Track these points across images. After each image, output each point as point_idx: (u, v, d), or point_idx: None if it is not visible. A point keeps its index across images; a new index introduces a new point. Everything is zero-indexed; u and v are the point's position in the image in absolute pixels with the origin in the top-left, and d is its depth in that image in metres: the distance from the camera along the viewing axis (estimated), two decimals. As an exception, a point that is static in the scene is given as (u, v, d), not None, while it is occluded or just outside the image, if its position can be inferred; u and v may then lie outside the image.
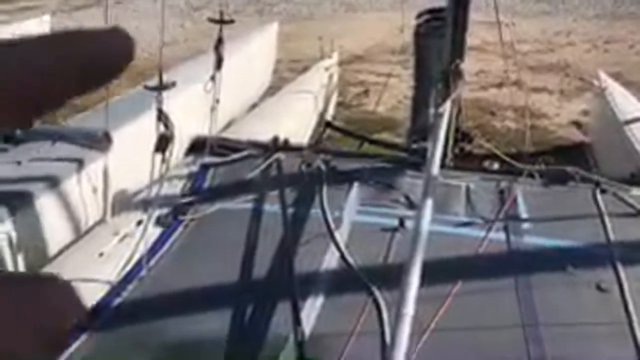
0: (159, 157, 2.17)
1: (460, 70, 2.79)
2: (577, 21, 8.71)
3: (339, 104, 5.52)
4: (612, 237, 2.44)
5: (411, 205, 2.59)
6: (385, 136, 4.97)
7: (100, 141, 2.61)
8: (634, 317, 2.01)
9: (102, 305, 1.99)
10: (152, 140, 2.19)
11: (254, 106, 4.46)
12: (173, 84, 2.22)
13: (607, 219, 2.54)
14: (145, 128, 2.36)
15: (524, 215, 2.60)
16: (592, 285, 2.18)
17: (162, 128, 2.16)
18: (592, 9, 9.38)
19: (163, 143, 2.15)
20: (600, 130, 4.63)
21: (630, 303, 2.08)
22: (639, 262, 2.30)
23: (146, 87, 2.19)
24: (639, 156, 3.38)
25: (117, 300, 2.02)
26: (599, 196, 2.72)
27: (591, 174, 2.90)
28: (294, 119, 4.00)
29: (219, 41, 2.83)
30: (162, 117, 2.15)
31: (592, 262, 2.30)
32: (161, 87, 2.16)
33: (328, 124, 4.18)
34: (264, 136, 3.19)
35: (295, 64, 6.63)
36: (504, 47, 3.57)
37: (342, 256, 2.30)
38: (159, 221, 2.42)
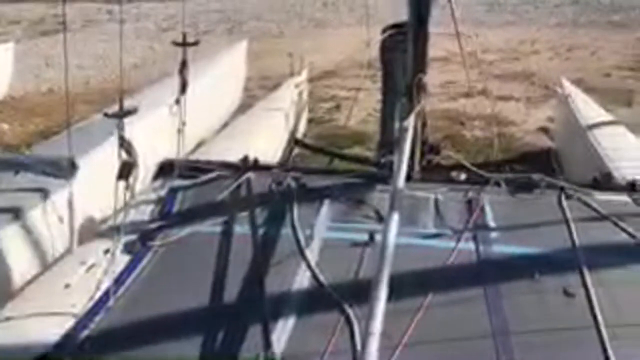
0: (123, 184, 2.15)
1: (423, 84, 2.83)
2: (541, 30, 8.94)
3: (311, 120, 5.55)
4: (577, 241, 2.49)
5: (381, 219, 2.60)
6: (357, 150, 5.00)
7: (65, 169, 2.57)
8: (600, 321, 2.05)
9: (67, 338, 1.94)
10: (117, 167, 2.17)
11: (225, 125, 4.46)
12: (134, 110, 2.20)
13: (572, 224, 2.59)
14: (109, 155, 2.33)
15: (492, 224, 2.63)
16: (560, 290, 2.21)
17: (124, 155, 2.14)
18: (554, 18, 9.65)
19: (126, 170, 2.13)
20: (565, 136, 4.74)
21: (596, 307, 2.12)
22: (604, 266, 2.34)
23: (106, 115, 2.18)
24: (601, 161, 3.46)
25: (84, 332, 1.97)
26: (564, 202, 2.78)
27: (556, 180, 2.96)
28: (265, 138, 4.00)
29: (183, 64, 2.83)
30: (124, 143, 2.13)
31: (558, 268, 2.34)
32: (122, 114, 2.14)
33: (297, 141, 4.19)
34: (235, 156, 3.18)
35: (265, 81, 6.65)
36: (466, 57, 3.63)
37: (313, 275, 2.29)
38: (126, 249, 2.39)
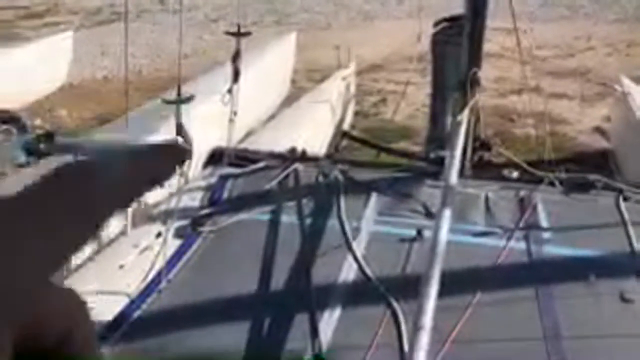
0: (177, 170, 2.19)
1: (477, 78, 2.77)
2: (597, 25, 8.60)
3: (357, 113, 5.52)
4: (636, 246, 2.39)
5: (429, 215, 2.57)
6: (403, 145, 4.95)
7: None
8: None
9: (121, 317, 2.01)
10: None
11: (272, 116, 4.49)
12: (191, 98, 2.25)
13: (630, 228, 2.49)
14: (164, 140, 2.38)
15: (545, 224, 2.56)
16: (616, 295, 2.13)
17: (180, 141, 2.19)
18: (612, 13, 9.26)
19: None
20: (623, 136, 4.55)
21: None
22: None
23: (164, 101, 2.23)
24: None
25: (137, 313, 2.04)
26: (622, 204, 2.67)
27: (614, 182, 2.85)
28: (312, 129, 4.01)
29: (236, 54, 2.86)
30: (180, 130, 2.18)
31: (615, 272, 2.26)
32: (180, 101, 2.19)
33: (345, 134, 4.19)
34: (282, 147, 3.20)
35: (313, 73, 6.66)
36: (521, 53, 3.53)
37: (360, 267, 2.29)
38: (177, 233, 2.45)
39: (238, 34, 2.87)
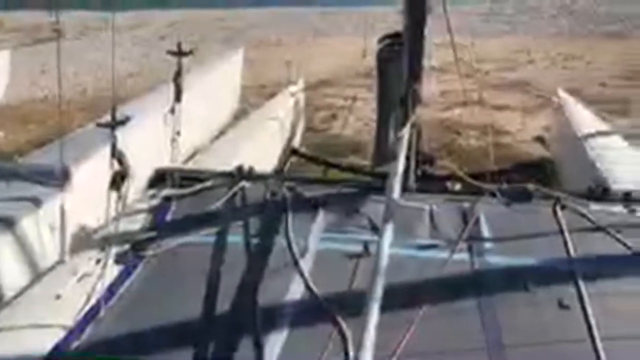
0: (115, 194, 2.13)
1: (417, 94, 2.83)
2: (536, 39, 8.99)
3: (307, 129, 5.55)
4: (572, 253, 2.48)
5: (375, 229, 2.58)
6: (353, 159, 5.00)
7: (57, 178, 2.55)
8: (596, 333, 2.03)
9: (56, 351, 1.92)
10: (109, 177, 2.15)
11: (220, 134, 4.45)
12: (126, 120, 2.19)
13: (567, 235, 2.58)
14: (102, 164, 2.32)
15: (487, 235, 2.62)
16: (554, 302, 2.19)
17: (116, 165, 2.13)
18: (550, 28, 9.71)
19: (118, 180, 2.12)
20: (560, 145, 4.74)
21: (591, 319, 2.10)
22: (600, 277, 2.33)
23: (99, 125, 2.16)
24: (597, 171, 3.46)
25: (74, 345, 1.95)
26: (559, 212, 2.76)
27: (551, 191, 2.95)
28: (260, 147, 4.00)
29: (177, 73, 2.83)
30: (116, 153, 2.12)
31: (553, 279, 2.32)
32: (114, 124, 2.13)
33: (293, 151, 4.19)
34: (230, 165, 3.17)
35: (263, 89, 6.66)
36: (461, 67, 3.64)
37: (307, 285, 2.27)
38: (118, 259, 2.37)
39: (179, 53, 2.84)
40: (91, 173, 2.58)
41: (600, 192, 2.96)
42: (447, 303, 2.20)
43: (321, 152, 4.79)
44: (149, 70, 7.79)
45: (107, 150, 2.21)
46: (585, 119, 4.51)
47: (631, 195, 2.87)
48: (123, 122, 2.18)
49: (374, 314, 1.55)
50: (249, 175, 3.04)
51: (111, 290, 2.20)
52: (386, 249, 1.82)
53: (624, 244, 2.52)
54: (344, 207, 2.83)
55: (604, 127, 4.40)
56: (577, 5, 10.57)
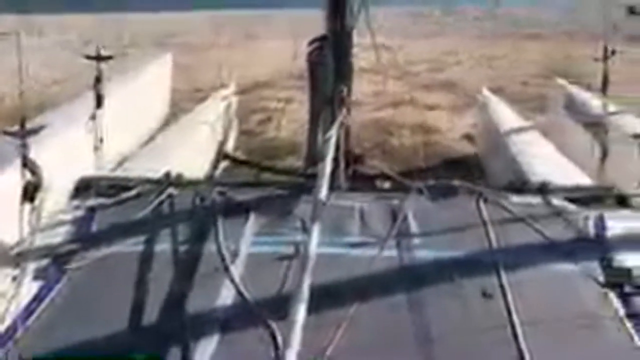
0: (29, 206, 2.03)
1: (343, 96, 2.87)
2: (463, 41, 9.35)
3: (242, 132, 5.51)
4: (494, 244, 2.59)
5: (307, 230, 2.60)
6: (290, 161, 5.01)
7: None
8: (515, 319, 2.13)
9: None
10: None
11: (149, 141, 4.34)
12: (39, 129, 2.09)
13: (489, 227, 2.69)
14: (17, 176, 2.21)
15: (415, 231, 2.69)
16: (478, 292, 2.28)
17: (29, 175, 2.03)
18: (475, 30, 10.12)
19: (31, 191, 2.02)
20: (485, 142, 4.95)
21: (512, 306, 2.20)
22: (519, 266, 2.45)
23: (5, 133, 2.06)
24: (518, 165, 3.64)
25: None
26: (482, 206, 2.88)
27: (474, 186, 3.06)
28: (191, 152, 3.93)
29: (97, 79, 2.74)
30: (27, 163, 2.02)
31: (477, 270, 2.42)
32: (24, 133, 2.03)
33: (225, 155, 4.15)
34: (159, 172, 3.09)
35: (196, 94, 6.55)
36: (387, 68, 3.73)
37: (238, 290, 2.26)
38: (37, 275, 2.26)
39: (98, 58, 2.75)
40: (5, 185, 2.45)
41: (520, 185, 3.11)
42: (376, 299, 2.24)
43: (257, 156, 4.78)
44: (75, 77, 7.48)
45: (19, 161, 2.10)
46: (507, 116, 4.74)
47: (547, 186, 3.03)
48: (35, 131, 2.07)
49: (300, 313, 1.56)
50: (178, 181, 2.98)
51: (29, 307, 2.10)
52: (314, 248, 1.84)
53: (541, 233, 2.66)
54: (276, 209, 2.83)
55: (524, 123, 4.64)
56: (499, 10, 11.07)
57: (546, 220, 2.76)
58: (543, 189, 3.00)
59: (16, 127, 2.08)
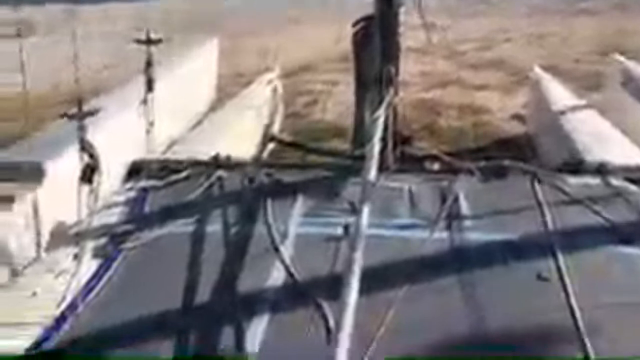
0: (87, 187, 2.10)
1: (391, 75, 2.82)
2: (512, 19, 9.02)
3: (288, 116, 5.52)
4: (550, 225, 2.51)
5: (355, 212, 2.58)
6: (336, 143, 4.99)
7: (29, 175, 2.51)
8: (574, 304, 2.06)
9: (37, 347, 1.89)
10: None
11: (197, 125, 4.41)
12: (95, 111, 2.15)
13: (545, 209, 2.60)
14: (75, 158, 2.28)
15: (466, 212, 2.64)
16: (533, 275, 2.22)
17: (86, 157, 2.10)
18: (524, 7, 9.74)
19: (88, 172, 2.08)
20: (537, 121, 4.78)
21: (570, 290, 2.13)
22: (577, 249, 2.36)
23: (65, 116, 2.12)
24: (572, 145, 3.49)
25: (53, 340, 1.92)
26: (536, 187, 2.79)
27: (528, 166, 2.97)
28: (238, 135, 3.97)
29: (148, 63, 2.79)
30: (85, 146, 2.08)
31: (532, 253, 2.35)
32: (81, 115, 2.09)
33: (272, 138, 4.17)
34: (208, 155, 3.14)
35: (240, 78, 6.59)
36: (437, 48, 3.65)
37: (288, 271, 2.27)
38: (96, 253, 2.34)
39: (148, 42, 2.79)
40: (64, 168, 2.54)
41: (576, 165, 3.00)
42: (427, 281, 2.21)
43: (303, 138, 4.78)
44: (124, 62, 7.66)
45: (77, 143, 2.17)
46: (560, 94, 4.55)
47: (606, 167, 2.90)
48: (92, 113, 2.13)
49: (352, 295, 1.55)
50: (226, 163, 3.02)
51: (89, 284, 2.18)
52: (363, 230, 1.82)
53: (600, 215, 2.56)
54: (323, 191, 2.83)
55: (578, 102, 4.45)
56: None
57: (605, 201, 2.65)
58: (602, 169, 2.88)
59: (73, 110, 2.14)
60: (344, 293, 1.56)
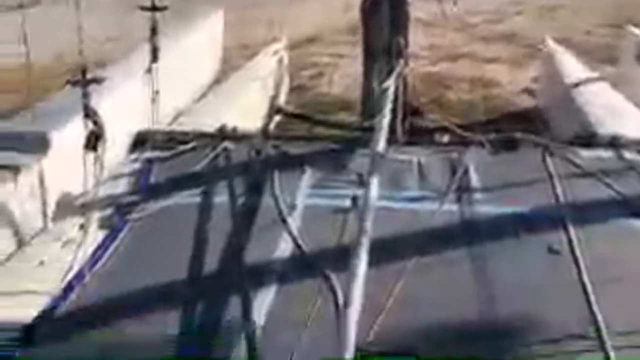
0: (92, 156, 2.07)
1: (400, 46, 2.76)
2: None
3: (294, 88, 5.44)
4: (561, 199, 2.47)
5: (363, 184, 2.55)
6: (343, 116, 4.93)
7: (35, 145, 2.48)
8: (585, 277, 2.03)
9: (42, 317, 1.89)
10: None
11: (203, 96, 4.35)
12: (100, 79, 2.11)
13: (556, 182, 2.56)
14: (80, 128, 2.25)
15: (476, 185, 2.60)
16: (544, 248, 2.19)
17: (90, 124, 2.06)
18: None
19: (92, 140, 2.05)
20: (549, 94, 4.70)
21: (581, 263, 2.10)
22: (588, 222, 2.33)
23: (69, 83, 2.08)
24: (585, 117, 3.43)
25: (59, 310, 1.92)
26: (548, 159, 2.75)
27: (539, 138, 2.92)
28: (244, 106, 3.92)
29: (153, 30, 2.73)
30: (89, 113, 2.05)
31: (543, 226, 2.32)
32: (85, 82, 2.05)
33: (278, 110, 4.12)
34: (213, 126, 3.10)
35: (245, 50, 6.49)
36: (449, 21, 3.56)
37: (295, 242, 2.25)
38: (102, 223, 2.33)
39: (153, 9, 2.73)
40: (69, 137, 2.51)
41: (588, 138, 2.94)
42: (436, 253, 2.19)
43: (309, 111, 4.71)
44: (128, 34, 7.56)
45: (81, 111, 2.13)
46: (573, 67, 4.46)
47: (619, 140, 2.84)
48: (96, 81, 2.09)
49: (361, 266, 1.53)
50: (233, 135, 2.99)
51: (96, 255, 2.17)
52: (372, 201, 1.79)
53: (612, 189, 2.51)
54: (331, 163, 2.79)
55: (591, 74, 4.35)
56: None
57: (618, 174, 2.60)
58: (614, 143, 2.82)
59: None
60: (353, 265, 1.53)
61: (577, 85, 4.06)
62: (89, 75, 2.12)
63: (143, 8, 2.81)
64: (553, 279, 2.06)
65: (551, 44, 5.06)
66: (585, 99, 3.74)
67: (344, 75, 5.71)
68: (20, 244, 2.33)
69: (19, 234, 2.37)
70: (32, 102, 2.82)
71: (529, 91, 5.44)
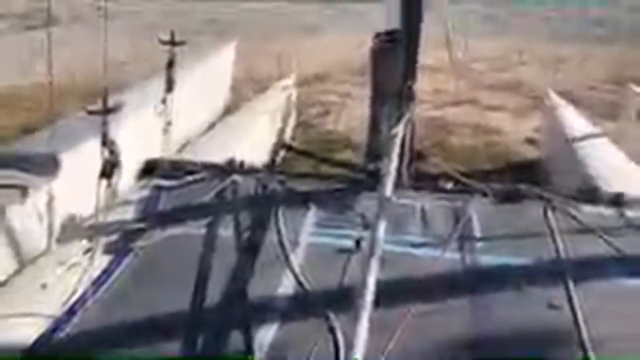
0: (105, 183, 2.10)
1: (412, 91, 2.83)
2: (529, 42, 9.02)
3: (300, 124, 5.52)
4: (562, 254, 2.49)
5: (367, 226, 2.58)
6: (346, 155, 4.99)
7: (46, 166, 2.51)
8: (585, 334, 2.04)
9: (41, 340, 1.89)
10: (99, 166, 2.12)
11: (211, 127, 4.41)
12: (119, 108, 2.16)
13: (557, 236, 2.59)
14: (92, 153, 2.29)
15: (478, 234, 2.63)
16: (544, 303, 2.20)
17: (107, 153, 2.10)
18: (542, 30, 9.75)
19: (108, 169, 2.09)
20: (551, 147, 4.77)
21: (580, 320, 2.11)
22: (589, 279, 2.35)
23: (89, 112, 2.13)
24: (586, 173, 3.48)
25: (59, 334, 1.92)
26: (549, 214, 2.78)
27: (542, 192, 2.96)
28: (251, 140, 3.97)
29: (170, 63, 2.80)
30: (107, 142, 2.09)
31: (543, 280, 2.34)
32: (105, 111, 2.10)
33: (285, 145, 4.18)
34: (220, 158, 3.15)
35: (254, 84, 6.61)
36: (455, 66, 3.65)
37: (297, 280, 2.26)
38: (107, 249, 2.34)
39: (172, 43, 2.81)
40: (81, 162, 2.55)
41: (590, 194, 2.98)
42: (438, 301, 2.20)
43: (314, 148, 4.77)
44: (142, 60, 7.69)
45: (97, 138, 2.18)
46: (574, 121, 4.55)
47: (621, 198, 2.89)
48: (115, 110, 2.14)
49: (366, 309, 1.55)
50: (240, 168, 3.03)
51: (99, 280, 2.18)
52: (379, 245, 1.82)
53: (613, 246, 2.54)
54: (336, 202, 2.83)
55: (593, 129, 4.44)
56: (571, 10, 10.63)
57: (620, 233, 2.63)
58: (618, 201, 2.86)
59: (98, 106, 2.14)
60: (358, 308, 1.55)
61: (578, 139, 4.14)
62: (108, 103, 2.17)
63: (163, 42, 2.89)
64: (552, 335, 2.07)
65: (553, 96, 5.18)
66: (586, 153, 3.81)
67: (351, 116, 5.80)
68: (24, 265, 2.33)
69: (23, 255, 2.38)
70: (46, 122, 2.87)
71: (530, 140, 5.53)
